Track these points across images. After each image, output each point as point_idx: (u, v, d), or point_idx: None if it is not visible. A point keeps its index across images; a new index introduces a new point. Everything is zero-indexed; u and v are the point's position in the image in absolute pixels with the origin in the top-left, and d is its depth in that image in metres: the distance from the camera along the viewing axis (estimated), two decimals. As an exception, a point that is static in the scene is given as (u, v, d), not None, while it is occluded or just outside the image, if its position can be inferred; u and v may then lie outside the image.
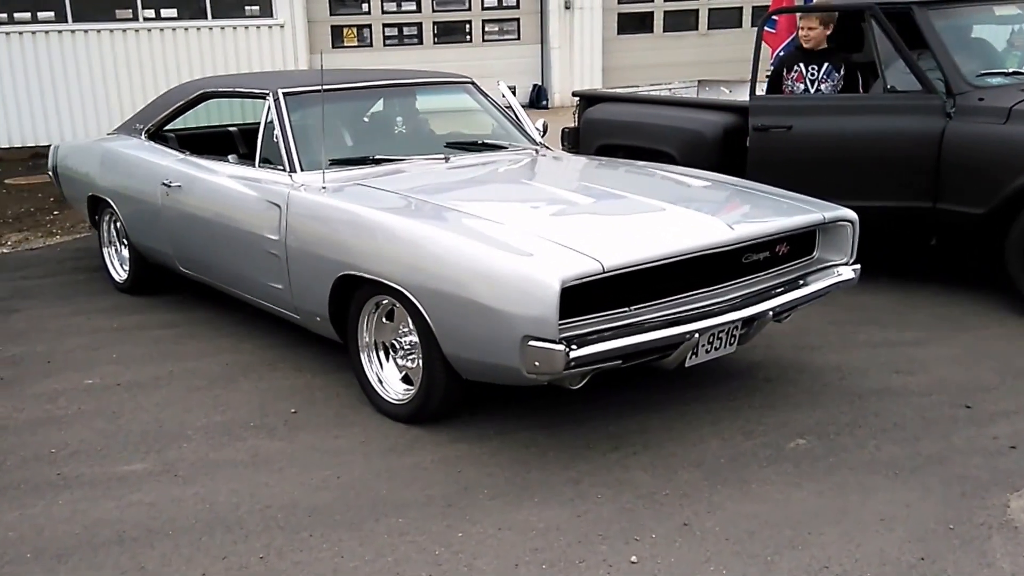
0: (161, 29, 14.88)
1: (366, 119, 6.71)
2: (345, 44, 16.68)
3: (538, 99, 17.57)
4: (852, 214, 5.41)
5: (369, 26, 16.83)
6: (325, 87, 6.13)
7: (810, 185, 6.09)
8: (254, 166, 6.05)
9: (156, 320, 6.89)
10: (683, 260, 4.66)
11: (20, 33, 14.26)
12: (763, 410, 5.21)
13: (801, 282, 5.32)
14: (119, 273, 7.63)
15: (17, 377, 5.87)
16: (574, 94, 9.71)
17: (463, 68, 16.38)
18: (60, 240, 9.47)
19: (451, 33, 17.40)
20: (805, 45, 7.48)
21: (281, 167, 5.80)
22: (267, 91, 6.13)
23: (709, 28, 18.80)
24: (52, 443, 4.96)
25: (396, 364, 5.19)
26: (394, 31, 17.04)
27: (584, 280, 4.27)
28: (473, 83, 7.06)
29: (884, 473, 4.51)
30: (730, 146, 7.56)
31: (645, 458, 4.67)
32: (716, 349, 4.86)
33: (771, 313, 4.95)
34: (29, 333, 6.68)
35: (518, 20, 17.75)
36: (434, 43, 17.23)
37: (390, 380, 5.21)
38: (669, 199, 5.29)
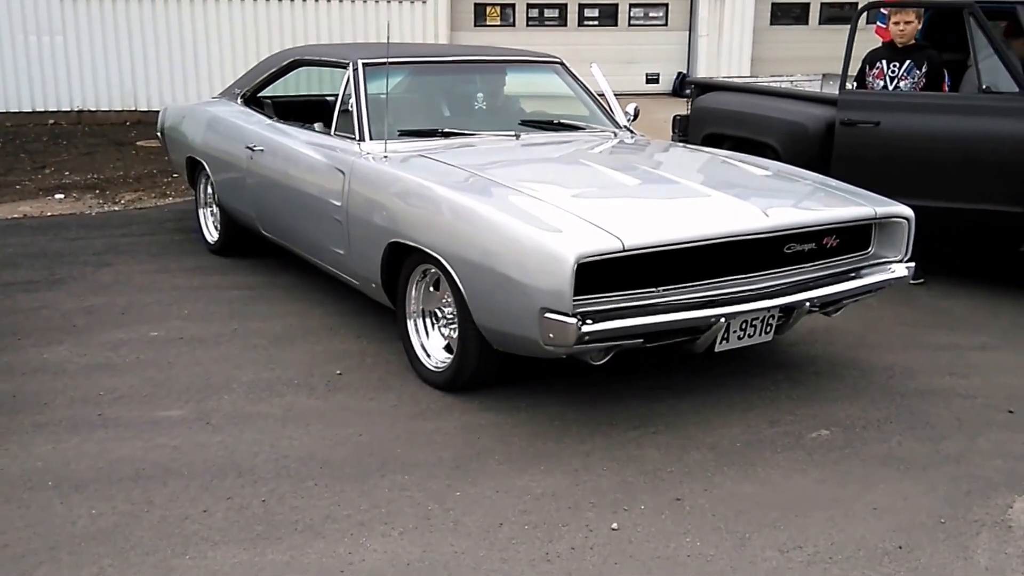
0: (304, 0, 15.24)
1: (446, 94, 6.82)
2: (487, 23, 16.78)
3: (682, 87, 17.25)
4: (908, 211, 5.33)
5: (513, 5, 16.88)
6: (404, 59, 6.28)
7: (894, 183, 6.02)
8: (330, 134, 6.21)
9: (235, 281, 7.13)
10: (716, 245, 4.68)
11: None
12: (799, 402, 5.18)
13: (852, 276, 5.27)
14: (211, 234, 7.91)
15: (89, 326, 6.16)
16: (687, 81, 9.65)
17: (606, 52, 16.60)
18: (170, 202, 9.84)
19: (596, 16, 17.35)
20: (898, 41, 7.31)
21: (353, 136, 5.95)
22: (348, 60, 6.29)
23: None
24: (102, 387, 5.22)
25: (440, 333, 5.31)
26: (537, 12, 17.06)
27: (604, 257, 4.34)
28: (562, 63, 7.09)
29: (895, 467, 4.48)
30: (832, 140, 7.43)
31: (662, 438, 4.71)
32: (750, 336, 4.87)
33: (808, 304, 4.91)
34: (113, 286, 6.98)
35: (666, 5, 17.59)
36: (578, 25, 17.22)
37: (434, 348, 5.34)
38: (714, 185, 5.29)
